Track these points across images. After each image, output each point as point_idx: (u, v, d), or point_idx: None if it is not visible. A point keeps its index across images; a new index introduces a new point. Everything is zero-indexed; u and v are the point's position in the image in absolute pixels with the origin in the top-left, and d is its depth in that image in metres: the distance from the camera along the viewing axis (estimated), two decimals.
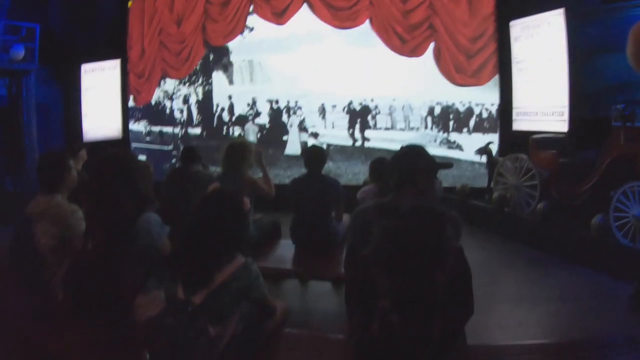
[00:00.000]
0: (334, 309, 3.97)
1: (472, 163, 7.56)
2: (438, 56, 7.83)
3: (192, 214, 2.12)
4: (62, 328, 2.39)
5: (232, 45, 8.85)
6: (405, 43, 7.94)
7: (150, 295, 2.27)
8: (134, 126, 9.77)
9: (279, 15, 8.43)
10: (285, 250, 4.13)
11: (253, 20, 8.65)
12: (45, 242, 2.68)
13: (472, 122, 7.77)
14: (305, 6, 8.26)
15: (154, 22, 9.26)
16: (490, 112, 7.66)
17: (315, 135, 8.46)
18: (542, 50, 6.86)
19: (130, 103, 9.67)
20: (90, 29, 9.23)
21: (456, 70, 7.77)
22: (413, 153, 2.32)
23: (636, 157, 4.88)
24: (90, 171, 3.64)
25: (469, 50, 7.71)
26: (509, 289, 4.56)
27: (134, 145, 9.61)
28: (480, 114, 7.73)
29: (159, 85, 9.45)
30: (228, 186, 3.95)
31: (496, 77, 7.64)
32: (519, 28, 7.21)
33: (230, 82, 8.95)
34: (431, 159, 2.33)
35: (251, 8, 8.57)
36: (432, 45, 7.86)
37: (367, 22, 8.05)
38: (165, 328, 1.91)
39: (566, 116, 6.51)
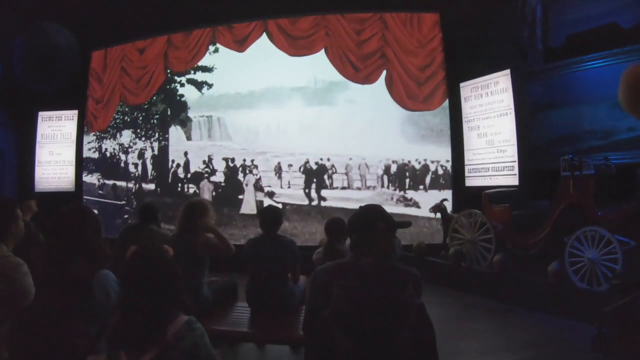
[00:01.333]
0: None
1: (430, 219, 7.62)
2: (390, 83, 8.07)
3: (123, 279, 2.04)
4: None
5: (191, 100, 8.91)
6: (358, 71, 8.18)
7: (101, 357, 2.14)
8: (87, 178, 9.55)
9: (240, 43, 8.61)
10: (241, 312, 3.97)
11: (213, 76, 8.78)
12: None
13: (428, 180, 7.91)
14: (264, 36, 8.50)
15: (116, 50, 9.39)
16: (446, 169, 7.84)
17: (271, 194, 8.42)
18: (490, 109, 7.22)
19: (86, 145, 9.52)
20: (50, 76, 9.09)
21: (408, 96, 8.01)
22: (371, 213, 2.29)
23: (586, 203, 5.08)
24: (45, 227, 3.44)
25: (418, 78, 7.99)
26: (472, 342, 4.50)
27: (85, 198, 9.36)
28: (436, 170, 7.89)
29: (116, 112, 9.38)
30: (183, 246, 3.83)
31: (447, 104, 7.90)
32: (468, 89, 7.60)
33: (188, 137, 8.93)
34: (389, 218, 2.30)
35: (213, 37, 8.76)
36: (384, 74, 8.11)
37: (323, 50, 8.30)
38: None
39: (516, 170, 6.80)
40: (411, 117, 8.01)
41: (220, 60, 8.80)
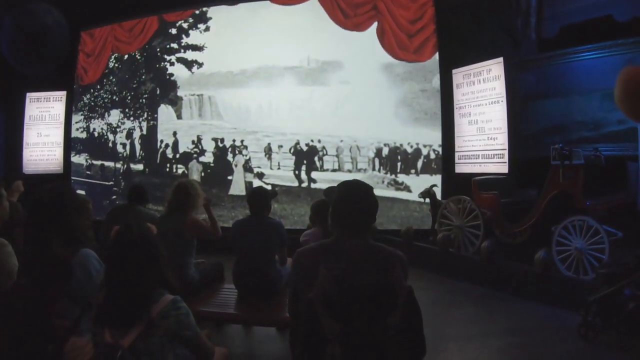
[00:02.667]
0: (278, 355, 3.83)
1: (420, 204, 7.60)
2: (382, 34, 8.01)
3: (108, 257, 2.02)
4: None
5: (181, 79, 8.80)
6: (348, 18, 8.12)
7: (84, 339, 2.13)
8: (75, 158, 9.44)
9: None
10: (228, 294, 3.95)
11: (204, 55, 8.68)
12: None
13: (419, 164, 7.88)
14: None
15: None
16: (438, 153, 7.81)
17: (260, 175, 8.37)
18: (482, 96, 7.20)
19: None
20: (38, 57, 8.90)
21: (399, 47, 7.95)
22: (355, 191, 2.18)
23: (575, 193, 5.12)
24: (26, 206, 3.37)
25: (409, 30, 7.93)
26: (458, 327, 4.53)
27: (73, 179, 9.26)
28: (428, 155, 7.86)
29: (107, 66, 9.28)
30: (170, 226, 3.80)
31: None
32: (460, 76, 7.56)
33: (179, 116, 8.83)
34: (374, 197, 2.19)
35: None
36: (375, 25, 8.05)
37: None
38: None
39: (506, 158, 6.80)
40: (405, 99, 7.95)
41: (211, 39, 8.67)
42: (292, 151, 8.26)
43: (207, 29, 8.71)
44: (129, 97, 9.16)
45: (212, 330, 3.62)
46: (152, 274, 1.99)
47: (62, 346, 2.05)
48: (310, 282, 1.82)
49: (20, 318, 2.04)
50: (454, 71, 7.61)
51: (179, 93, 8.84)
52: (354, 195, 2.12)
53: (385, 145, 7.99)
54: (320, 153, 8.21)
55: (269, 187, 7.65)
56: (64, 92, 9.36)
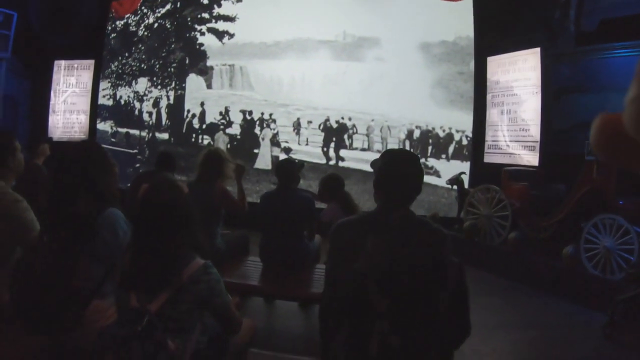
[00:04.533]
0: (300, 331, 3.81)
1: (448, 190, 7.51)
2: None
3: (137, 215, 1.90)
4: (5, 333, 2.11)
5: (212, 49, 8.71)
6: None
7: (107, 302, 2.06)
8: (100, 125, 9.43)
9: None
10: (253, 267, 3.91)
11: (236, 25, 8.56)
12: None
13: (451, 149, 7.76)
14: None
15: None
16: (470, 140, 7.67)
17: (287, 150, 8.27)
18: (516, 86, 7.02)
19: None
20: (67, 25, 8.90)
21: None
22: (403, 160, 2.05)
23: (607, 190, 4.99)
24: (52, 162, 3.31)
25: None
26: (481, 316, 4.46)
27: None
28: (460, 140, 7.74)
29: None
30: (199, 194, 3.74)
31: None
32: (495, 63, 7.40)
33: (208, 86, 8.74)
34: (420, 167, 2.08)
35: None
36: None
37: None
38: (117, 340, 1.65)
39: (537, 150, 6.66)
40: (441, 81, 7.79)
41: (245, 9, 8.52)
42: (321, 127, 8.15)
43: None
44: (157, 66, 9.08)
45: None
46: (184, 235, 1.89)
47: (84, 308, 1.98)
48: (354, 255, 1.74)
49: (41, 277, 1.97)
50: (489, 58, 7.45)
51: (209, 63, 8.73)
52: (401, 164, 1.99)
53: (417, 127, 7.86)
54: (350, 131, 8.09)
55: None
56: (92, 61, 9.30)
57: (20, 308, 2.02)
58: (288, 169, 3.91)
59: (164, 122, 9.01)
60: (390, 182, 1.98)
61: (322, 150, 8.19)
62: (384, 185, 1.99)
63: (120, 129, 9.32)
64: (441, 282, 1.65)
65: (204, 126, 8.71)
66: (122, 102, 9.29)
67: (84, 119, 9.35)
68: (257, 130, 8.44)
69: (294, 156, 8.15)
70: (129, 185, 5.07)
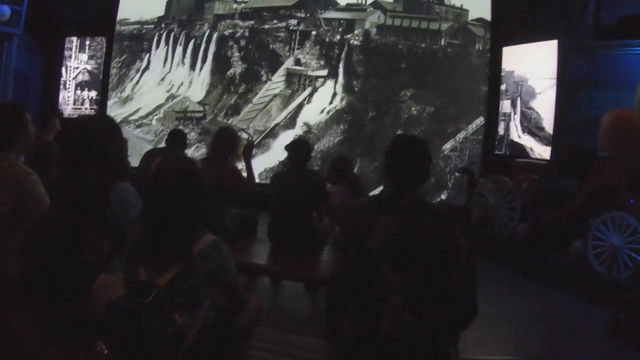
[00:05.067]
0: (306, 312, 3.84)
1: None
2: None
3: (147, 187, 1.89)
4: (13, 306, 2.12)
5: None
6: None
7: (115, 276, 2.06)
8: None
9: None
10: (261, 246, 3.93)
11: None
12: None
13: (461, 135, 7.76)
14: None
15: None
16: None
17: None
18: (532, 78, 6.94)
19: None
20: (80, 2, 8.88)
21: None
22: (412, 144, 2.10)
23: (618, 187, 4.96)
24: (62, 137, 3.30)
25: None
26: (486, 307, 4.45)
27: None
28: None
29: None
30: (210, 173, 3.75)
31: None
32: (511, 54, 7.29)
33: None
34: (429, 151, 2.12)
35: None
36: None
37: None
38: (125, 314, 1.65)
39: (550, 144, 6.59)
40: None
41: None
42: None
43: None
44: None
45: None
46: (195, 210, 1.87)
47: (92, 282, 1.96)
48: (365, 234, 1.76)
49: (50, 249, 1.96)
50: (504, 49, 7.34)
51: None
52: (412, 148, 2.04)
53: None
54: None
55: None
56: (104, 38, 9.30)
57: (28, 279, 2.03)
58: (301, 150, 3.89)
59: None
60: (398, 167, 2.02)
61: None
62: (393, 170, 2.03)
63: None
64: (452, 261, 1.69)
65: None
66: None
67: (94, 95, 9.37)
68: None
69: None
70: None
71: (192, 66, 9.03)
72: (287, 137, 7.86)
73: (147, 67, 9.35)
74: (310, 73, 8.37)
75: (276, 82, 8.53)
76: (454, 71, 7.79)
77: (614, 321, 3.87)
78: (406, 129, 7.78)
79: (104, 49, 9.27)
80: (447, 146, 7.73)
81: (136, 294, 1.68)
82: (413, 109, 7.94)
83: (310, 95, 8.37)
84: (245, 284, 2.29)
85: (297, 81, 8.46)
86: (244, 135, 4.33)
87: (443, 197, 7.56)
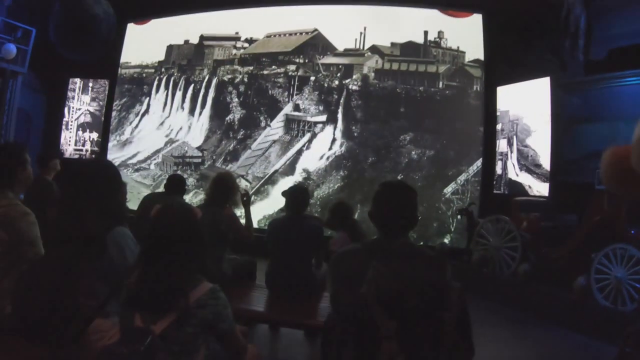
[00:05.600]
0: (305, 359, 3.76)
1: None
2: None
3: (146, 235, 1.91)
4: (5, 345, 2.09)
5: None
6: None
7: (110, 321, 2.04)
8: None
9: None
10: (259, 293, 3.89)
11: None
12: None
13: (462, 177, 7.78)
14: None
15: None
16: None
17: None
18: (526, 116, 7.02)
19: None
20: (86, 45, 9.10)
21: None
22: (400, 191, 2.14)
23: (618, 220, 4.95)
24: (64, 175, 3.31)
25: None
26: (491, 349, 4.38)
27: None
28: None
29: None
30: (208, 219, 3.75)
31: None
32: (505, 93, 7.42)
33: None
34: (416, 198, 2.15)
35: None
36: None
37: None
38: (119, 359, 1.64)
39: (547, 181, 6.62)
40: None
41: None
42: None
43: None
44: None
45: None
46: (193, 258, 1.89)
47: (86, 326, 1.95)
48: (357, 281, 1.77)
49: (46, 291, 1.95)
50: (498, 88, 7.47)
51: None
52: (396, 197, 2.09)
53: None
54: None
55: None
56: (107, 81, 9.55)
57: (22, 320, 2.00)
58: (299, 197, 3.89)
59: None
60: (383, 216, 2.07)
61: None
62: (379, 218, 2.08)
63: None
64: (445, 305, 1.70)
65: None
66: None
67: (95, 137, 9.52)
68: None
69: None
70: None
71: (192, 111, 9.15)
72: (286, 183, 7.90)
73: (146, 111, 9.50)
74: (309, 119, 8.41)
75: (275, 128, 8.57)
76: (453, 113, 7.85)
77: (623, 355, 3.79)
78: (407, 174, 7.82)
79: (107, 92, 9.49)
80: (449, 189, 7.70)
81: (131, 340, 1.67)
82: (413, 152, 7.96)
83: (310, 141, 8.39)
84: (245, 332, 2.26)
85: (296, 127, 8.49)
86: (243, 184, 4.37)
87: (446, 240, 7.53)
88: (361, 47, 8.39)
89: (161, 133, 9.33)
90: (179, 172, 8.35)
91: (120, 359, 1.63)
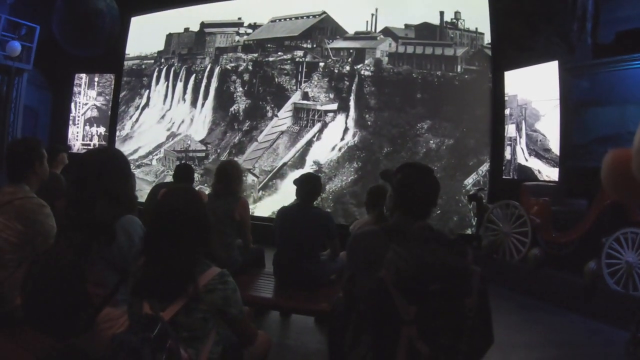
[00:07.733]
0: (315, 347, 3.73)
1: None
2: None
3: (152, 219, 1.89)
4: (15, 336, 2.11)
5: None
6: None
7: (119, 310, 2.03)
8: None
9: None
10: (267, 280, 3.87)
11: None
12: (6, 237, 2.38)
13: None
14: None
15: None
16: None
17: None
18: (535, 101, 6.95)
19: None
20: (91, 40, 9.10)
21: None
22: (421, 173, 2.11)
23: (629, 203, 4.86)
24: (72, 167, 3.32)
25: None
26: (502, 335, 4.35)
27: None
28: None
29: None
30: (220, 206, 3.79)
31: None
32: (513, 78, 7.32)
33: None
34: (437, 180, 2.14)
35: None
36: None
37: None
38: (129, 348, 1.61)
39: (557, 165, 6.56)
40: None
41: None
42: None
43: None
44: None
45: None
46: (199, 242, 1.86)
47: (96, 315, 1.96)
48: (375, 264, 1.74)
49: (55, 281, 1.94)
50: (506, 73, 7.39)
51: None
52: (420, 177, 2.06)
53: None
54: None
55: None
56: (112, 75, 9.57)
57: (32, 311, 2.01)
58: (309, 185, 3.82)
59: None
60: (410, 197, 2.04)
61: None
62: (404, 200, 2.05)
63: None
64: (466, 289, 1.66)
65: None
66: None
67: (103, 131, 9.55)
68: None
69: None
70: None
71: (194, 103, 8.88)
72: (295, 177, 7.68)
73: (146, 104, 9.35)
74: (319, 107, 8.03)
75: (283, 118, 8.20)
76: (472, 99, 7.48)
77: (634, 340, 3.77)
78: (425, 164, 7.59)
79: (112, 86, 9.49)
80: (469, 180, 7.40)
81: (141, 328, 1.66)
82: (431, 142, 7.57)
83: (320, 131, 8.01)
84: (250, 314, 2.24)
85: (305, 116, 8.11)
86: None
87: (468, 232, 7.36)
88: (373, 30, 7.95)
89: (162, 127, 9.15)
90: None
91: (131, 347, 1.61)
